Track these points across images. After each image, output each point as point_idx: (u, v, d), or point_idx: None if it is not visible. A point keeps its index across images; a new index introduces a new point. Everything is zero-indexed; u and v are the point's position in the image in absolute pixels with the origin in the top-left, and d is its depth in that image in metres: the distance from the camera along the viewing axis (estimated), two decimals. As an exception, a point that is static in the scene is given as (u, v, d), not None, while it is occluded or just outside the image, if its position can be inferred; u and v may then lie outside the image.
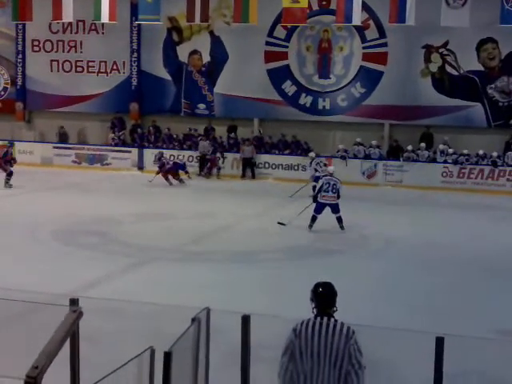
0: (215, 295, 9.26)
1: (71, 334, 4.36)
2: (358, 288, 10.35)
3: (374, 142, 24.59)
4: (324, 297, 4.85)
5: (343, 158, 23.76)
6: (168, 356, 4.30)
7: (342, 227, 15.53)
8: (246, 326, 4.98)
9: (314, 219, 15.55)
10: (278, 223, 16.02)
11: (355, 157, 24.28)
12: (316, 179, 20.38)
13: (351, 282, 10.35)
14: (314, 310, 4.84)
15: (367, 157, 24.35)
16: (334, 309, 4.85)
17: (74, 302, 4.95)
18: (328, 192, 15.52)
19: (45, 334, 4.15)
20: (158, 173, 22.43)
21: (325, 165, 20.55)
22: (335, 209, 15.57)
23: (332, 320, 4.76)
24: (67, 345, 4.31)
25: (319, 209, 15.54)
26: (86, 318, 4.33)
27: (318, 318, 4.77)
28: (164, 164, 22.62)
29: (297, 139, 25.34)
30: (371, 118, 25.26)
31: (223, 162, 24.80)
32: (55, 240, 13.93)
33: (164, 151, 23.91)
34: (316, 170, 20.72)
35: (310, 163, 21.42)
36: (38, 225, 15.21)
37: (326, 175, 16.42)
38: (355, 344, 4.68)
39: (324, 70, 25.66)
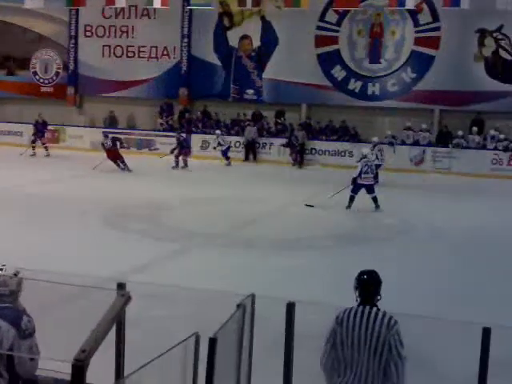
0: (260, 281, 9.32)
1: (118, 318, 4.43)
2: (403, 276, 10.28)
3: (423, 126, 24.33)
4: (368, 285, 4.82)
5: (391, 144, 23.51)
6: (213, 342, 4.33)
7: (378, 206, 16.29)
8: (290, 314, 4.99)
9: (352, 199, 16.36)
10: (306, 205, 16.46)
11: (403, 143, 24.02)
12: (377, 167, 20.31)
13: (396, 270, 10.28)
14: (358, 299, 4.83)
15: (416, 143, 24.07)
16: (378, 297, 4.83)
17: (121, 286, 4.98)
18: (368, 173, 16.46)
19: (91, 318, 4.22)
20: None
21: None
22: (372, 189, 16.44)
23: (374, 309, 4.74)
24: (113, 328, 4.38)
25: (357, 189, 16.41)
26: (132, 302, 4.38)
27: (361, 307, 4.75)
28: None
29: (345, 125, 25.16)
30: (421, 103, 24.95)
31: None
32: (104, 224, 14.11)
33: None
34: (377, 158, 20.45)
35: (372, 149, 21.15)
36: (87, 209, 15.42)
37: (362, 158, 17.02)
38: (396, 334, 4.64)
39: (374, 54, 25.43)
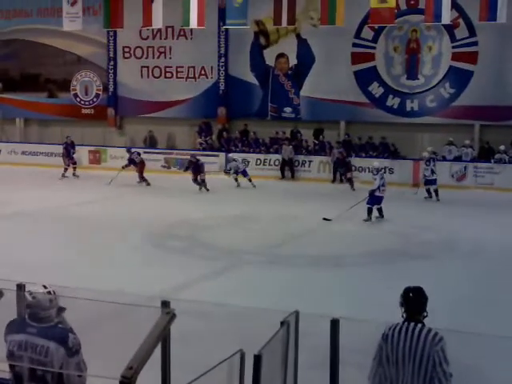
0: (301, 299, 9.29)
1: (164, 335, 4.45)
2: (446, 293, 10.15)
3: (467, 142, 24.04)
4: (414, 302, 4.81)
5: (432, 160, 23.20)
6: (258, 359, 4.33)
7: (382, 216, 16.81)
8: (334, 330, 4.96)
9: (370, 211, 16.67)
10: (324, 219, 16.54)
11: (444, 159, 23.76)
12: (433, 182, 20.32)
13: (438, 287, 10.12)
14: (404, 315, 4.81)
15: (458, 158, 23.80)
16: (424, 314, 4.80)
17: (165, 304, 5.00)
18: (384, 186, 16.88)
19: (136, 336, 4.25)
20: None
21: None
22: (381, 200, 16.82)
23: (419, 325, 4.71)
24: (158, 345, 4.40)
25: (374, 201, 16.73)
26: (176, 319, 4.41)
27: (406, 323, 4.75)
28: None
29: (385, 141, 25.02)
30: (461, 119, 24.72)
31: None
32: (145, 243, 14.22)
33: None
34: (433, 172, 20.31)
35: (428, 162, 20.76)
36: (128, 228, 15.58)
37: (378, 171, 17.45)
38: (441, 351, 4.59)
39: (412, 70, 25.32)
